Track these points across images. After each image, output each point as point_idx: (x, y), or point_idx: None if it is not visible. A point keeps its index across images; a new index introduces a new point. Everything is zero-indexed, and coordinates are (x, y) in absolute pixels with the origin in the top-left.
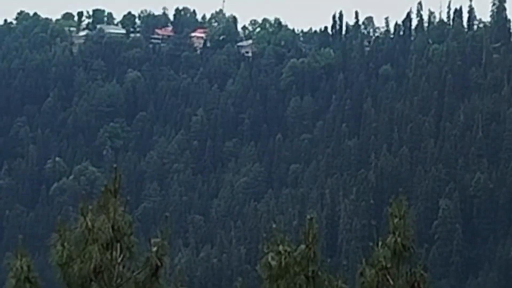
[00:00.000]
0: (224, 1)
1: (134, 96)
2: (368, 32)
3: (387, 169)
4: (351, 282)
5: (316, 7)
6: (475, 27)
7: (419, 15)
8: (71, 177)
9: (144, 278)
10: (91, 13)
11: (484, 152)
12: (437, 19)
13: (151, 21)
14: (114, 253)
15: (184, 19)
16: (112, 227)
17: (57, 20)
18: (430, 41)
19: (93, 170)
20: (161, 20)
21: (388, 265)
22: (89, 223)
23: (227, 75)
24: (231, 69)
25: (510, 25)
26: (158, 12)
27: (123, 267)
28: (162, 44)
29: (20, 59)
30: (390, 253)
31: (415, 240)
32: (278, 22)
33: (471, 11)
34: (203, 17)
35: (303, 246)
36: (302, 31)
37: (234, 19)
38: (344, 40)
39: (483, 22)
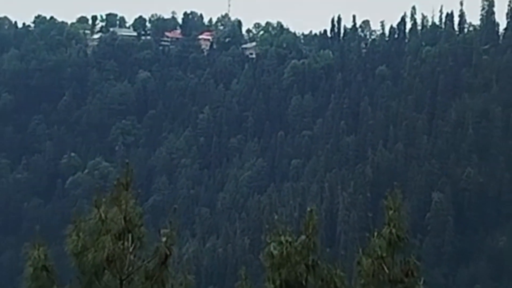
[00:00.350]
0: (229, 6)
1: (145, 95)
2: (365, 35)
3: (383, 164)
4: (348, 271)
5: (316, 11)
6: (466, 30)
7: (413, 18)
8: (85, 172)
9: (154, 267)
10: (104, 17)
11: (474, 148)
12: (430, 23)
13: (161, 24)
14: (125, 243)
15: (192, 23)
16: (124, 218)
17: (72, 23)
18: (424, 43)
19: (106, 165)
20: (170, 23)
21: (384, 255)
22: (103, 215)
23: (232, 75)
24: (236, 69)
25: (498, 28)
26: (167, 16)
27: (134, 256)
28: (171, 46)
29: (38, 60)
30: (385, 243)
31: (409, 231)
32: (280, 25)
33: (462, 15)
34: (210, 21)
35: (303, 237)
36: (302, 33)
37: (239, 22)
38: (342, 42)
39: (473, 25)
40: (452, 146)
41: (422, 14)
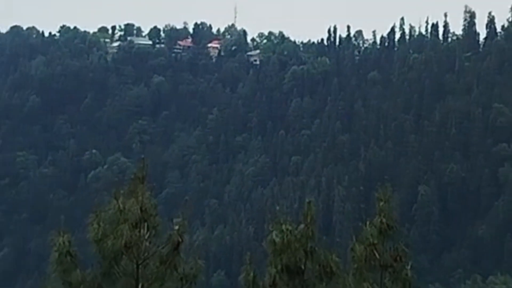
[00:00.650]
0: (235, 17)
1: (159, 97)
2: (358, 43)
3: (375, 160)
4: (343, 256)
5: (314, 22)
6: (449, 39)
7: (402, 29)
8: (105, 167)
9: (167, 252)
10: (122, 27)
11: (457, 146)
12: (417, 33)
13: (174, 33)
14: (141, 231)
15: (202, 32)
16: (140, 209)
17: (93, 32)
18: (411, 51)
19: (124, 161)
20: (182, 33)
21: (375, 242)
22: (121, 205)
23: (238, 80)
24: (241, 74)
25: (479, 38)
26: (179, 26)
27: (150, 243)
28: (182, 53)
29: (62, 66)
30: (376, 231)
31: (397, 221)
32: (281, 35)
33: (446, 25)
34: (218, 30)
35: (302, 226)
36: (302, 42)
37: (244, 32)
38: (338, 50)
39: (456, 35)
40: (437, 144)
41: (410, 25)
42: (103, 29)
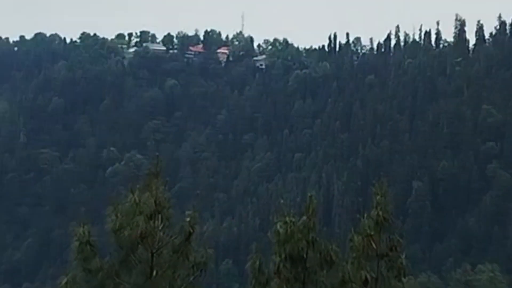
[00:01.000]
0: (243, 25)
1: (172, 99)
2: (357, 49)
3: (372, 157)
4: (342, 246)
5: (316, 29)
6: (441, 45)
7: (397, 36)
8: (122, 163)
9: (179, 242)
10: (138, 33)
11: (448, 144)
12: (411, 39)
13: (186, 40)
14: (156, 222)
15: (212, 39)
16: (155, 201)
17: (111, 39)
18: (405, 56)
19: (139, 157)
20: (194, 39)
21: (372, 233)
22: (137, 199)
23: (245, 83)
24: (248, 78)
25: (468, 44)
26: (191, 33)
27: (163, 233)
28: (194, 58)
29: (83, 70)
30: (373, 223)
31: (393, 213)
32: (285, 41)
33: (438, 33)
34: (227, 37)
35: (304, 218)
36: (304, 48)
37: (251, 39)
38: (338, 56)
39: (448, 42)
40: (429, 142)
41: (405, 32)
42: (120, 36)
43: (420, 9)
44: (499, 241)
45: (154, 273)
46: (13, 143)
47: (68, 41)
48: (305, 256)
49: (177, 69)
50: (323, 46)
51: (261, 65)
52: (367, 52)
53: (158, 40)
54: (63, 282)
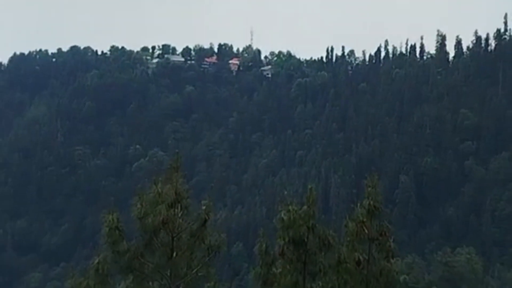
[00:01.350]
0: (251, 39)
1: (189, 103)
2: (351, 61)
3: (364, 154)
4: (338, 231)
5: (315, 43)
6: (425, 57)
7: (386, 49)
8: (146, 159)
9: (196, 228)
10: (160, 46)
11: (431, 143)
12: (398, 52)
13: (202, 52)
14: (176, 210)
15: (225, 51)
16: (175, 192)
17: (137, 51)
18: (394, 66)
19: (161, 154)
20: (209, 51)
21: (364, 220)
22: (159, 190)
23: (253, 90)
24: (256, 85)
25: (448, 56)
26: (206, 46)
27: (182, 220)
28: (209, 68)
29: (112, 78)
30: (365, 211)
31: (382, 203)
32: (289, 53)
33: (422, 46)
34: (237, 50)
35: (305, 207)
36: (305, 59)
37: (259, 51)
38: (334, 66)
39: (430, 54)
40: (414, 141)
41: (393, 46)
42: (145, 49)
43: (406, 26)
44: (475, 228)
45: (174, 254)
46: (52, 142)
47: (99, 53)
48: (306, 240)
49: (194, 78)
50: (322, 57)
51: (267, 74)
52: (360, 63)
53: (177, 52)
54: (95, 262)
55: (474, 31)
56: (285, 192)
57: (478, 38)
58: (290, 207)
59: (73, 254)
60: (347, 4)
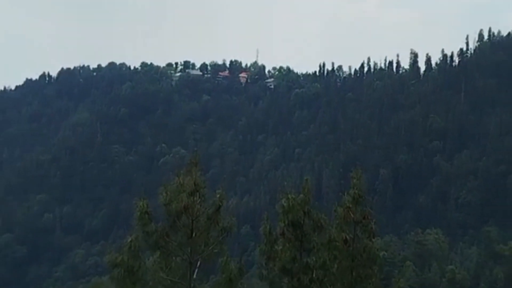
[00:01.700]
0: (257, 56)
1: (206, 110)
2: (339, 74)
3: (350, 152)
4: (329, 215)
5: (310, 59)
6: (400, 71)
7: (368, 64)
8: (170, 155)
9: (212, 212)
10: (182, 63)
11: (405, 143)
12: (379, 67)
13: (217, 67)
14: (195, 198)
15: (235, 66)
16: (194, 183)
17: (163, 66)
18: (375, 79)
19: (183, 152)
20: (222, 67)
21: (350, 206)
22: (181, 181)
23: (259, 99)
24: (261, 95)
25: (420, 70)
26: (220, 62)
27: (200, 206)
28: (222, 81)
29: (142, 89)
30: (351, 199)
31: (365, 192)
32: (288, 68)
33: (398, 62)
34: (246, 65)
35: (302, 195)
36: (302, 73)
37: (263, 66)
38: (326, 79)
39: (405, 68)
40: (392, 141)
41: (374, 62)
42: (169, 64)
43: (385, 45)
44: (442, 213)
45: (194, 234)
46: (92, 141)
47: (132, 68)
48: (302, 222)
49: (210, 88)
50: (315, 71)
51: (271, 85)
52: (347, 76)
53: (196, 67)
54: (129, 240)
55: (441, 49)
56: (285, 183)
57: (445, 56)
58: (289, 195)
59: (110, 234)
60: (337, 28)
